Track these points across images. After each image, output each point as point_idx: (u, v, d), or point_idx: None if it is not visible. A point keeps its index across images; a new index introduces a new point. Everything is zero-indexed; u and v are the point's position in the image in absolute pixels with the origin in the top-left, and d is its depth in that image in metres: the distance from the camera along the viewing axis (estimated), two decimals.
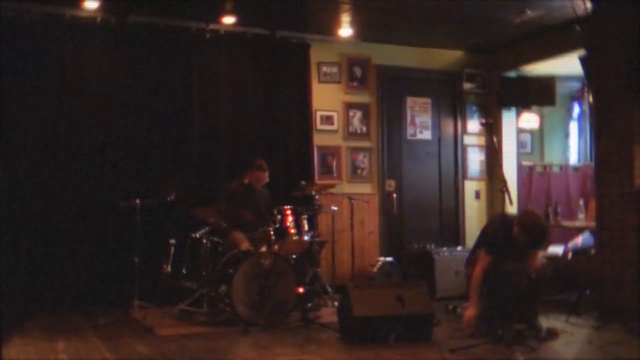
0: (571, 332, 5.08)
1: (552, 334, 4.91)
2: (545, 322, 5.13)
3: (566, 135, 8.59)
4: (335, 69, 7.53)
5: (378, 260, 7.25)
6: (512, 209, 6.92)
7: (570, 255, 6.56)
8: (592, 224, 6.27)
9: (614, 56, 5.78)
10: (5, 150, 6.06)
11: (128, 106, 6.59)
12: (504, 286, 4.91)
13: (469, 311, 4.95)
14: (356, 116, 7.63)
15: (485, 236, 5.27)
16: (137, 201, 5.91)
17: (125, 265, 5.99)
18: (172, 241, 5.86)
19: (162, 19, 6.61)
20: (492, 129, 7.02)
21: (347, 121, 7.58)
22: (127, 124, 6.57)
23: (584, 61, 6.33)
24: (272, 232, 5.76)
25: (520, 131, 8.14)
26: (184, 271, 5.81)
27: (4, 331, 4.70)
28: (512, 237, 4.91)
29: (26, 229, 6.10)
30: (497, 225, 5.15)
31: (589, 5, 5.93)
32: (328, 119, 7.48)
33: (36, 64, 6.22)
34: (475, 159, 8.20)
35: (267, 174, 6.31)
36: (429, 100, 8.03)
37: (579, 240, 6.65)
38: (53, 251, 6.20)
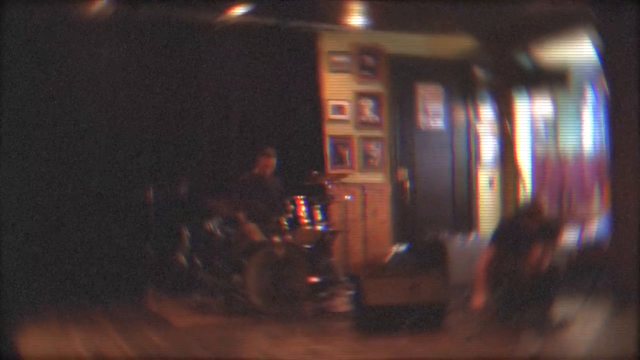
0: (586, 319, 5.06)
1: (566, 322, 4.89)
2: (560, 308, 5.10)
3: (581, 121, 8.51)
4: (346, 58, 7.49)
5: (391, 249, 7.24)
6: (525, 196, 6.93)
7: (585, 241, 6.53)
8: (607, 211, 6.23)
9: (629, 43, 5.71)
10: (18, 142, 6.10)
11: (139, 98, 6.61)
12: (509, 277, 4.90)
13: (476, 300, 4.95)
14: (367, 105, 7.60)
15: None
16: (150, 192, 5.94)
17: (139, 255, 6.04)
18: (186, 232, 5.90)
19: (171, 11, 6.61)
20: (505, 116, 6.98)
21: (359, 111, 7.56)
22: (138, 116, 6.60)
23: (598, 47, 6.26)
24: (284, 222, 5.77)
25: (534, 118, 8.07)
26: (197, 262, 5.85)
27: (19, 323, 4.75)
28: (522, 229, 4.92)
29: (39, 220, 6.16)
30: (509, 218, 5.17)
31: None
32: (339, 109, 7.47)
33: (46, 59, 6.26)
34: (488, 147, 8.15)
35: (273, 160, 6.31)
36: (441, 88, 7.98)
37: (594, 226, 6.61)
38: (67, 242, 6.26)
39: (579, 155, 8.03)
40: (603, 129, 8.11)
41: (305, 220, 6.02)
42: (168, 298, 5.88)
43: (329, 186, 6.44)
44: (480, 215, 8.05)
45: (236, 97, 7.01)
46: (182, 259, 5.85)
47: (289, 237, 5.71)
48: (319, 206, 6.27)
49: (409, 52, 7.76)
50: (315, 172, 6.52)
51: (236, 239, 5.85)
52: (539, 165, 7.85)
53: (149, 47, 6.66)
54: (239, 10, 6.73)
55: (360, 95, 7.58)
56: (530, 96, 7.86)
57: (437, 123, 7.97)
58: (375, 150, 7.64)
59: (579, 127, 8.52)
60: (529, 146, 7.95)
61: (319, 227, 6.14)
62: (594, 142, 8.40)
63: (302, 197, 6.08)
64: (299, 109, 7.26)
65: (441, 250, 6.97)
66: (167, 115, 6.71)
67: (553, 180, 7.81)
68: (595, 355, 4.31)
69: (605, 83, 6.54)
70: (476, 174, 8.10)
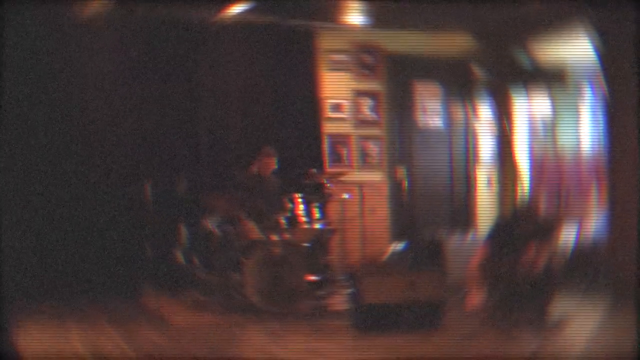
0: (584, 316, 5.07)
1: (563, 320, 4.90)
2: (558, 306, 5.11)
3: (579, 120, 8.51)
4: (344, 57, 7.49)
5: (389, 248, 7.25)
6: (523, 194, 6.94)
7: (582, 240, 6.54)
8: (605, 209, 6.24)
9: (627, 41, 5.72)
10: (17, 141, 6.10)
11: (138, 96, 6.61)
12: (506, 276, 4.92)
13: (471, 299, 4.96)
14: (366, 104, 7.61)
15: None
16: (149, 190, 5.94)
17: (138, 253, 6.04)
18: (184, 230, 5.91)
19: (169, 10, 6.61)
20: (503, 115, 7.00)
21: (357, 109, 7.56)
22: (137, 115, 6.60)
23: (596, 46, 6.27)
24: (283, 221, 5.78)
25: (532, 117, 8.08)
26: (195, 260, 5.86)
27: (17, 319, 4.74)
28: (518, 228, 4.94)
29: (37, 216, 6.16)
30: (505, 217, 5.19)
31: None
32: (338, 107, 7.47)
33: (45, 59, 6.26)
34: (486, 146, 8.16)
35: (272, 159, 6.32)
36: (439, 87, 7.99)
37: (592, 225, 6.62)
38: (66, 240, 6.26)
39: (576, 154, 8.04)
40: (601, 127, 8.13)
41: (304, 219, 6.03)
42: (166, 296, 5.88)
43: (327, 184, 6.45)
44: (478, 213, 8.06)
45: (235, 95, 7.02)
46: (181, 257, 5.86)
47: (287, 235, 5.72)
48: (317, 204, 6.28)
49: (407, 51, 7.76)
50: (314, 170, 6.53)
51: (234, 237, 5.85)
52: (537, 163, 7.86)
53: (147, 46, 6.66)
54: (238, 9, 6.73)
55: (359, 93, 7.58)
56: (529, 95, 7.87)
57: (436, 122, 7.97)
58: (374, 148, 7.65)
59: (577, 126, 8.53)
60: (527, 145, 7.96)
61: (317, 226, 6.16)
62: (592, 140, 8.42)
63: (300, 195, 6.10)
64: (298, 107, 7.26)
65: (439, 249, 6.98)
66: (166, 113, 6.71)
67: (551, 179, 7.82)
68: (592, 354, 4.33)
69: (603, 81, 6.56)
70: (474, 173, 8.11)
